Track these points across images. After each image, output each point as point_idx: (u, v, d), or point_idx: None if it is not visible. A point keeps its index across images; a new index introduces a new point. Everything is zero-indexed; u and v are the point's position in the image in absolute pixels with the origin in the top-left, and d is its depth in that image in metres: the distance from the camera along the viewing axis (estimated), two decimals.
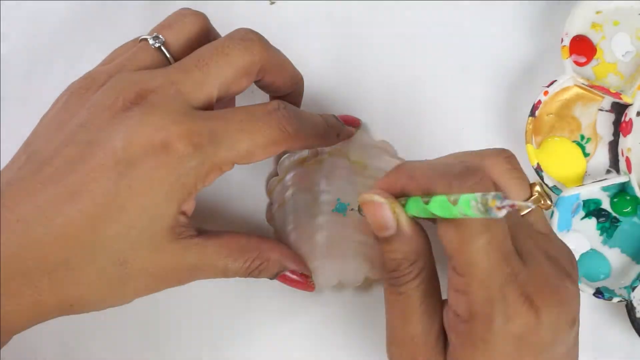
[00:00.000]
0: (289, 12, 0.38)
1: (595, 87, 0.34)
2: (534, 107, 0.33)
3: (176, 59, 0.29)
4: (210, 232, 0.29)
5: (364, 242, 0.32)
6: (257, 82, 0.30)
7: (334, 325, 0.33)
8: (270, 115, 0.28)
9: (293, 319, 0.33)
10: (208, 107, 0.28)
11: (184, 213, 0.28)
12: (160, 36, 0.29)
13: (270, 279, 0.31)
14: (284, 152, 0.35)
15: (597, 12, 0.35)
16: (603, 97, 0.34)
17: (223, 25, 0.31)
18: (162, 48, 0.29)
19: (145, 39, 0.29)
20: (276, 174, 0.35)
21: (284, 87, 0.31)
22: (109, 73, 0.28)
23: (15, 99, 0.37)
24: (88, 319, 0.34)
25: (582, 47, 0.34)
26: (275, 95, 0.32)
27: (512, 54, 0.36)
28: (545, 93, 0.33)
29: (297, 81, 0.32)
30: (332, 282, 0.32)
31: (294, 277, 0.31)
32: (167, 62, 0.29)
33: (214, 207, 0.35)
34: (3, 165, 0.28)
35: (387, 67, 0.36)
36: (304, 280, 0.31)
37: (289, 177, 0.34)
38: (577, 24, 0.35)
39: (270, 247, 0.30)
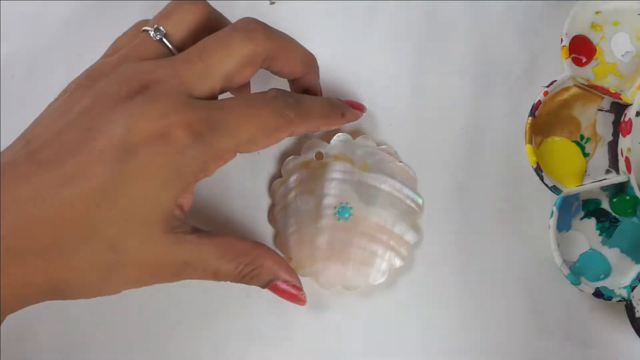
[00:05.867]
0: (289, 12, 0.38)
1: (595, 87, 0.34)
2: (534, 108, 0.33)
3: (178, 49, 0.29)
4: (205, 231, 0.29)
5: (365, 247, 0.32)
6: (268, 69, 0.30)
7: (333, 328, 0.33)
8: (269, 102, 0.28)
9: (292, 321, 0.33)
10: (211, 98, 0.28)
11: (180, 207, 0.27)
12: (161, 28, 0.29)
13: (262, 287, 0.30)
14: (289, 155, 0.35)
15: (597, 13, 0.35)
16: (603, 97, 0.34)
17: None
18: (164, 40, 0.29)
19: (147, 30, 0.29)
20: (280, 176, 0.35)
21: (296, 71, 0.31)
22: (114, 65, 0.29)
23: (16, 99, 0.37)
24: (88, 319, 0.34)
25: (582, 48, 0.35)
26: (290, 78, 0.32)
27: (511, 54, 0.36)
28: (545, 93, 0.33)
29: (309, 62, 0.32)
30: (332, 285, 0.33)
31: (286, 287, 0.31)
32: (169, 52, 0.29)
33: (216, 207, 0.35)
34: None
35: (388, 68, 0.36)
36: (296, 292, 0.31)
37: (292, 179, 0.34)
38: (577, 24, 0.35)
39: (264, 253, 0.30)
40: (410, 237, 0.33)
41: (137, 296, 0.28)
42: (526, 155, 0.33)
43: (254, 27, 0.29)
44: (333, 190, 0.33)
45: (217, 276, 0.29)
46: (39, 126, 0.28)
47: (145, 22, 0.31)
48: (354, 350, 0.33)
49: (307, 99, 0.30)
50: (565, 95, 0.34)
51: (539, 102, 0.33)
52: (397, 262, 0.33)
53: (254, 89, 0.35)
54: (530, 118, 0.33)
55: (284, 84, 0.34)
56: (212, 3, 0.31)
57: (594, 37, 0.35)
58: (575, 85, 0.34)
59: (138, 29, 0.30)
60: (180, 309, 0.34)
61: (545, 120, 0.34)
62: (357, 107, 0.34)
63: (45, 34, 0.38)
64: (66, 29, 0.38)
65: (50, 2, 0.38)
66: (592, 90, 0.34)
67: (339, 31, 0.37)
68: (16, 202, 0.25)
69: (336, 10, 0.37)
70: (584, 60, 0.35)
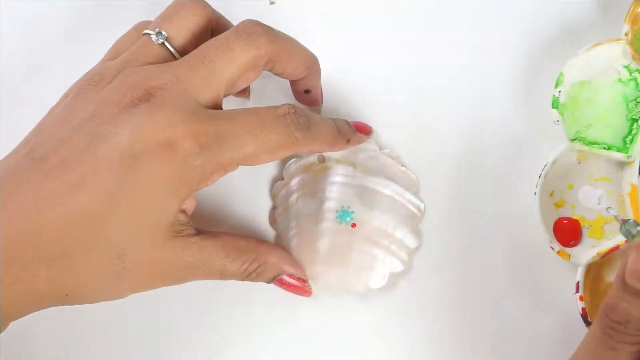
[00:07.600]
0: (289, 12, 0.38)
1: None
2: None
3: (180, 52, 0.29)
4: (209, 232, 0.29)
5: (366, 251, 0.32)
6: (270, 70, 0.30)
7: (332, 331, 0.33)
8: (279, 120, 0.28)
9: (292, 324, 0.34)
10: (216, 103, 0.28)
11: (184, 211, 0.28)
12: (162, 32, 0.29)
13: (268, 282, 0.31)
14: (291, 156, 0.35)
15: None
16: None
17: None
18: (166, 43, 0.29)
19: (148, 34, 0.29)
20: (282, 178, 0.35)
21: (297, 73, 0.31)
22: (116, 69, 0.29)
23: (16, 99, 0.37)
24: (88, 319, 0.34)
25: None
26: (292, 79, 0.32)
27: (513, 55, 0.36)
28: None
29: (310, 64, 0.31)
30: (332, 289, 0.33)
31: (292, 281, 0.31)
32: (171, 56, 0.29)
33: (218, 209, 0.35)
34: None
35: (388, 69, 0.36)
36: (302, 285, 0.31)
37: (294, 182, 0.34)
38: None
39: (268, 250, 0.30)
40: (411, 241, 0.33)
41: (137, 295, 0.28)
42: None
43: (256, 31, 0.29)
44: (335, 193, 0.33)
45: (222, 275, 0.29)
46: (43, 131, 0.28)
47: (145, 24, 0.31)
48: (353, 354, 0.33)
49: (317, 122, 0.30)
50: None
51: None
52: (398, 267, 0.33)
53: (254, 86, 0.35)
54: None
55: (284, 84, 0.34)
56: (211, 3, 0.31)
57: None
58: None
59: (139, 31, 0.30)
60: (180, 308, 0.34)
61: None
62: (363, 130, 0.34)
63: (45, 34, 0.38)
64: (66, 29, 0.38)
65: (50, 2, 0.38)
66: None
67: (339, 31, 0.37)
68: (22, 209, 0.25)
69: (336, 10, 0.37)
70: None
